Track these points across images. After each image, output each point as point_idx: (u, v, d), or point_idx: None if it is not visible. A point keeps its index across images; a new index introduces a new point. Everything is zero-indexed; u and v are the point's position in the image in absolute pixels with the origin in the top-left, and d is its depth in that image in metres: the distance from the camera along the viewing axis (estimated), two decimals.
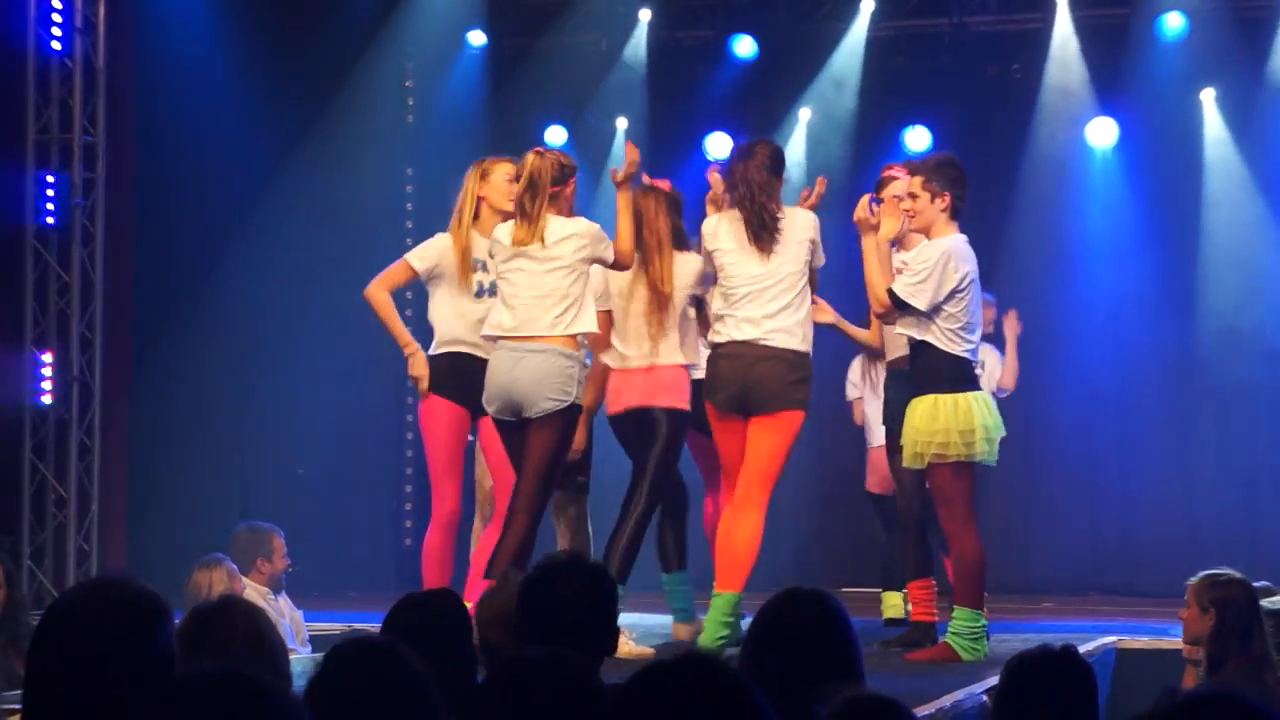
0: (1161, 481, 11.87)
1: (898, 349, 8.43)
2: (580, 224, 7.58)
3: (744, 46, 13.13)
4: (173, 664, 3.19)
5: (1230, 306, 12.43)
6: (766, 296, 7.75)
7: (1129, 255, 12.66)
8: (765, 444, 7.72)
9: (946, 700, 6.92)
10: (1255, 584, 6.60)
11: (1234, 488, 12.33)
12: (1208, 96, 12.56)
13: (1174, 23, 12.40)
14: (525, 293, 7.52)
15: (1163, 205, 12.68)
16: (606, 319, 8.15)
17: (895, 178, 8.35)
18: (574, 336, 7.52)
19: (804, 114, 13.29)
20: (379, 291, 8.24)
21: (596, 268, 7.70)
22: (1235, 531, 11.92)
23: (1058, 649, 4.45)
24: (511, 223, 7.65)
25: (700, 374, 8.07)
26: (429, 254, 8.20)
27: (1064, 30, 12.67)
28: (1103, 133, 12.64)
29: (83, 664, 3.09)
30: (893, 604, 9.56)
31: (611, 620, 4.26)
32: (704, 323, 8.16)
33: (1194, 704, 2.70)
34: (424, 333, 8.42)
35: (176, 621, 4.20)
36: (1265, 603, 6.45)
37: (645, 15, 13.36)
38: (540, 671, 2.99)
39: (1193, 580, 6.41)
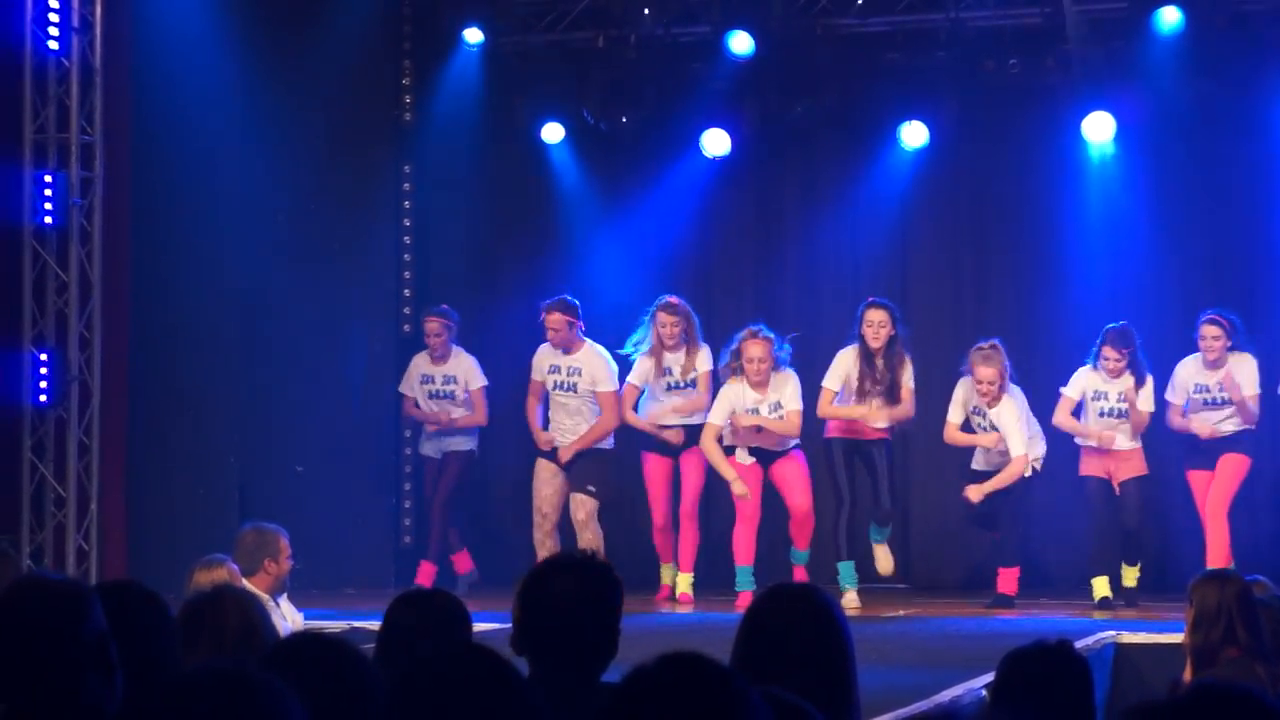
0: (1163, 480, 11.84)
1: None
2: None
3: (740, 43, 13.11)
4: (106, 648, 3.28)
5: (1231, 303, 12.42)
6: None
7: (1126, 251, 12.66)
8: None
9: (945, 695, 6.94)
10: (1249, 578, 6.62)
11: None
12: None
13: (1171, 18, 12.38)
14: None
15: (1161, 200, 12.67)
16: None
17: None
18: None
19: (800, 110, 13.28)
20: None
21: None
22: (1237, 535, 11.90)
23: (1053, 643, 4.47)
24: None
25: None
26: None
27: (1061, 25, 12.65)
28: (1100, 128, 12.63)
29: (10, 658, 3.21)
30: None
31: (612, 620, 4.18)
32: None
33: (1191, 697, 2.70)
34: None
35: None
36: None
37: (640, 12, 13.34)
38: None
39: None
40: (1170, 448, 11.57)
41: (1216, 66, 12.38)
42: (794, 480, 11.57)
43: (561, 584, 4.16)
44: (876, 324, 11.47)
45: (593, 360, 11.89)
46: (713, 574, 12.05)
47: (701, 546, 11.97)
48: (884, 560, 11.68)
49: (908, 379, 11.52)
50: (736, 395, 11.43)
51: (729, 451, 11.54)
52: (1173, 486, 11.58)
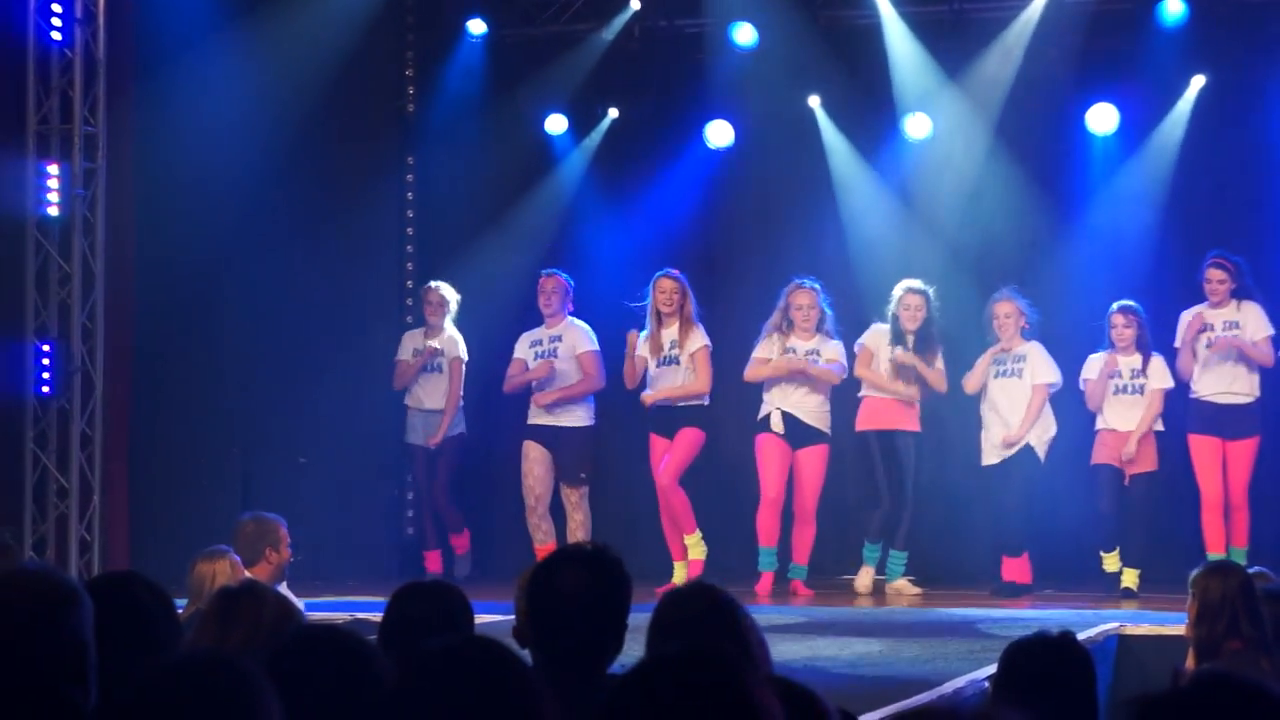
0: (1169, 471, 11.83)
1: None
2: None
3: (744, 34, 13.11)
4: (87, 650, 3.22)
5: None
6: None
7: (1130, 243, 12.65)
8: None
9: (948, 687, 6.94)
10: (1250, 569, 6.61)
11: None
12: (1197, 83, 12.55)
13: (1174, 9, 12.38)
14: None
15: (1165, 192, 12.66)
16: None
17: None
18: None
19: (809, 101, 13.25)
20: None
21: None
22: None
23: (1055, 635, 4.46)
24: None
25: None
26: None
27: (1064, 16, 12.65)
28: (1103, 119, 12.62)
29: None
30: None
31: (620, 615, 4.14)
32: None
33: (1195, 686, 2.71)
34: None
35: (180, 612, 4.23)
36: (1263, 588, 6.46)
37: (644, 3, 13.34)
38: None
39: None
40: (1176, 438, 11.55)
41: (1219, 58, 12.38)
42: (809, 479, 11.64)
43: (572, 577, 4.11)
44: (914, 308, 11.62)
45: (573, 328, 12.08)
46: (728, 558, 12.09)
47: (719, 533, 12.01)
48: (908, 591, 11.76)
49: (938, 361, 11.66)
50: (777, 341, 11.63)
51: (764, 423, 11.58)
52: (1178, 476, 11.57)
